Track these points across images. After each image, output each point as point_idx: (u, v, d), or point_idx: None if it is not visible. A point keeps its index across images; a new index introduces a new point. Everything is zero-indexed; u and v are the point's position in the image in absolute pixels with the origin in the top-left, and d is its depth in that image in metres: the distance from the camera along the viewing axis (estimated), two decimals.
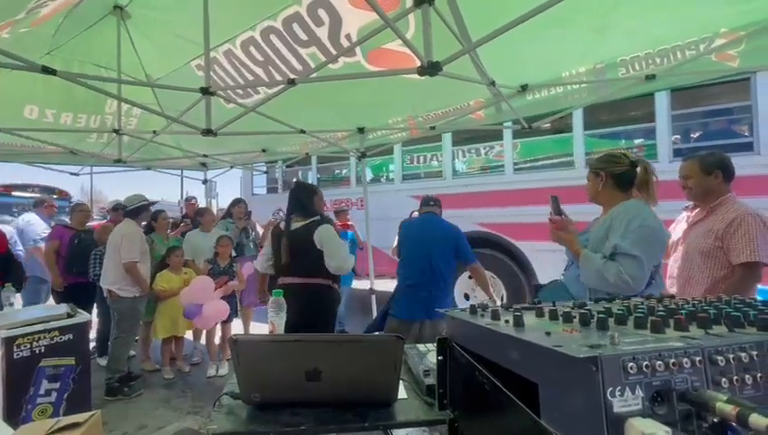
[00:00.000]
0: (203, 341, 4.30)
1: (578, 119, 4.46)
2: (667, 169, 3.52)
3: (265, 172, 7.16)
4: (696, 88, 3.87)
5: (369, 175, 6.26)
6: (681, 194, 2.16)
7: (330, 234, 2.54)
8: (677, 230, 2.18)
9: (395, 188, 5.84)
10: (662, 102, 4.05)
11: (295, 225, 2.59)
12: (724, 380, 0.50)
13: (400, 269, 3.14)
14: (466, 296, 5.14)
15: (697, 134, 4.44)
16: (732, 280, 1.87)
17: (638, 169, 1.68)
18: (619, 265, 1.51)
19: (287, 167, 7.05)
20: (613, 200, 1.70)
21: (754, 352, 0.51)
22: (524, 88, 2.89)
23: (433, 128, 3.70)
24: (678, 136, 4.31)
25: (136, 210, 3.64)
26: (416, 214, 5.06)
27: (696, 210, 2.12)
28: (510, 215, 4.76)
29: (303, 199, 2.65)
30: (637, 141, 4.51)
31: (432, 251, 2.93)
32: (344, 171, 6.78)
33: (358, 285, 5.37)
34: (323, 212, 2.76)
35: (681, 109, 4.14)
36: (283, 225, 2.70)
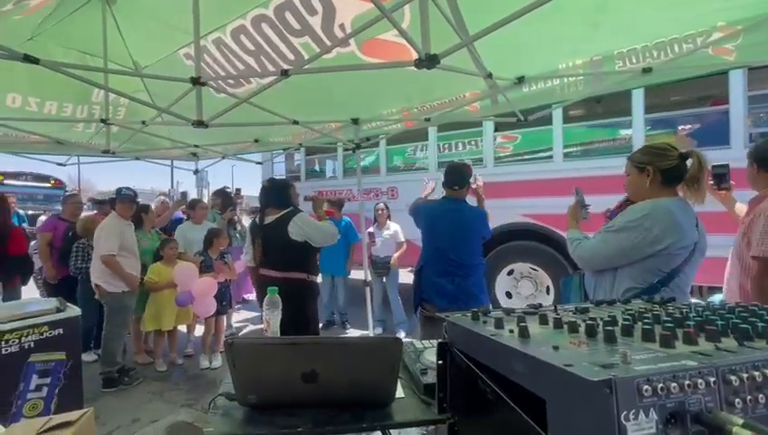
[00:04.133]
0: (197, 333, 4.28)
1: (638, 100, 3.98)
2: (742, 156, 2.81)
3: (259, 162, 6.98)
4: None
5: (399, 163, 6.05)
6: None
7: (305, 219, 2.67)
8: None
9: (429, 176, 5.24)
10: (737, 81, 3.51)
11: (269, 218, 2.70)
12: (737, 400, 0.48)
13: (422, 253, 2.93)
14: (508, 295, 4.86)
15: None
16: (752, 276, 1.67)
17: (690, 162, 1.47)
18: (579, 243, 1.65)
19: (307, 155, 6.89)
20: (655, 197, 1.51)
21: (767, 371, 0.50)
22: (521, 80, 2.86)
23: (428, 120, 3.66)
24: (756, 119, 3.71)
25: (110, 200, 3.61)
26: (381, 205, 5.05)
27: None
28: (555, 205, 4.28)
29: (277, 194, 2.77)
30: (704, 126, 3.90)
31: (453, 238, 2.72)
32: (371, 160, 6.28)
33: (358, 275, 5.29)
34: (296, 204, 2.84)
35: (760, 89, 3.57)
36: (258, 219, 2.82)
